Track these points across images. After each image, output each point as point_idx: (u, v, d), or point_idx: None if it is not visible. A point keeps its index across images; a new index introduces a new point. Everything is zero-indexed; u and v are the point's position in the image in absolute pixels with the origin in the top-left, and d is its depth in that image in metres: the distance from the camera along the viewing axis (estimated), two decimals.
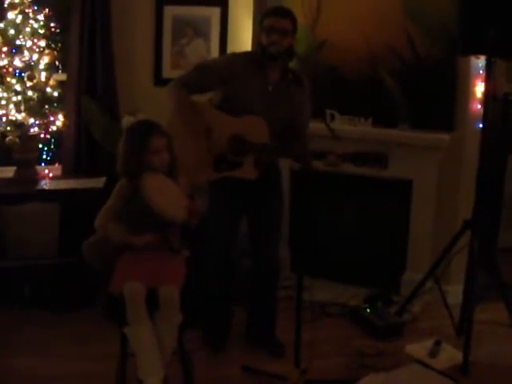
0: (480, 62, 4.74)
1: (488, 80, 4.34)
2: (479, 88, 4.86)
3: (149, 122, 3.58)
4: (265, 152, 4.20)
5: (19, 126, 4.86)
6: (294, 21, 4.11)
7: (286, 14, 4.11)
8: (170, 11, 5.53)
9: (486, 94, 4.40)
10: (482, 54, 4.33)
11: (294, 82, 3.98)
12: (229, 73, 4.13)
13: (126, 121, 3.63)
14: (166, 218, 3.34)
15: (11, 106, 4.85)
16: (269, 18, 4.08)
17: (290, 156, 4.28)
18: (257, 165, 4.14)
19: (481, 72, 4.80)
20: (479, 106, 4.81)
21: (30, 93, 4.89)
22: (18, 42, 4.86)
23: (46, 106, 4.98)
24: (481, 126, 4.49)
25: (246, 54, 4.41)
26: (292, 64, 4.00)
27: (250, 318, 4.57)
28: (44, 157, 5.33)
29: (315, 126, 3.98)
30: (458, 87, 4.94)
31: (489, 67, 4.29)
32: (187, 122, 4.03)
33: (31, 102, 4.90)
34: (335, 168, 3.97)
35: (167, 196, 3.40)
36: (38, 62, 4.92)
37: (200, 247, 4.33)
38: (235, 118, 4.10)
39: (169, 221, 3.38)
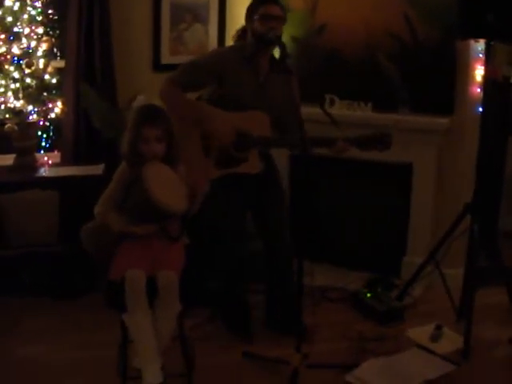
0: (479, 45, 4.72)
1: (487, 63, 4.33)
2: (479, 71, 4.84)
3: (148, 108, 3.56)
4: (268, 145, 4.22)
5: (18, 113, 4.85)
6: (283, 8, 4.21)
7: (276, 1, 4.20)
8: None
9: (486, 77, 4.39)
10: (481, 37, 4.30)
11: (283, 70, 3.97)
12: (220, 70, 4.18)
13: (138, 101, 3.59)
14: (166, 211, 3.33)
15: (9, 93, 4.84)
16: (262, 5, 4.15)
17: (292, 145, 4.31)
18: (260, 158, 4.17)
19: (480, 55, 4.78)
20: (479, 90, 4.80)
21: (28, 80, 4.87)
22: (15, 29, 4.83)
23: (45, 93, 4.97)
24: (480, 109, 4.48)
25: (234, 47, 4.41)
26: (289, 49, 3.99)
27: (269, 304, 4.54)
28: (43, 144, 5.29)
29: (315, 112, 3.95)
30: (457, 71, 4.91)
31: (488, 51, 4.27)
32: (183, 121, 4.03)
33: (29, 90, 4.89)
34: (345, 153, 3.99)
35: (167, 188, 3.38)
36: (36, 49, 4.90)
37: (207, 239, 4.35)
38: (234, 113, 4.12)
39: (168, 213, 3.37)
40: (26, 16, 4.86)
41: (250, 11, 4.22)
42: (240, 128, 4.13)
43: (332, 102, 5.16)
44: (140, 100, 3.55)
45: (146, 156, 3.43)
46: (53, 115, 5.04)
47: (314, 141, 3.80)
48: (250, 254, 4.47)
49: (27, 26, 4.86)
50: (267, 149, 4.33)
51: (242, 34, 4.36)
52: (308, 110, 3.92)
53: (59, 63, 5.22)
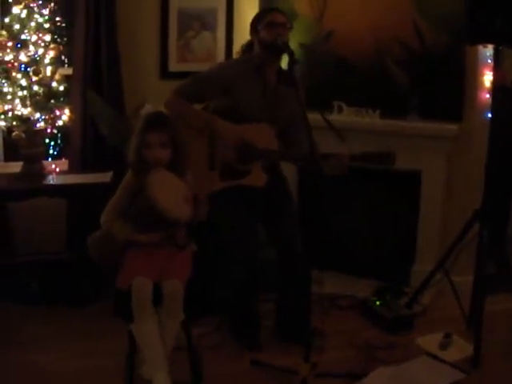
0: (488, 51, 4.70)
1: (496, 69, 4.31)
2: (487, 77, 4.82)
3: (153, 115, 3.56)
4: (273, 158, 4.21)
5: (25, 120, 4.84)
6: (287, 16, 4.24)
7: (280, 9, 4.27)
8: (175, 4, 5.48)
9: (495, 83, 4.36)
10: (490, 42, 4.28)
11: (290, 82, 3.95)
12: (227, 82, 4.18)
13: (145, 109, 3.59)
14: (170, 219, 3.32)
15: (17, 100, 4.82)
16: (267, 14, 4.21)
17: (296, 159, 4.29)
18: (265, 171, 4.15)
19: (489, 61, 4.76)
20: (488, 96, 4.78)
21: (35, 87, 4.86)
22: (23, 37, 4.82)
23: (52, 101, 4.95)
24: (489, 115, 4.46)
25: (242, 59, 4.41)
26: (297, 56, 3.97)
27: (280, 314, 4.49)
28: (51, 152, 5.31)
29: (319, 119, 3.92)
30: (465, 77, 4.90)
31: (496, 56, 4.25)
32: (188, 131, 4.02)
33: (37, 97, 4.88)
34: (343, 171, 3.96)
35: (172, 196, 3.37)
36: (43, 56, 4.89)
37: (214, 248, 4.33)
38: (241, 125, 4.11)
39: (173, 221, 3.35)
40: (33, 23, 4.84)
41: (255, 22, 4.24)
42: (245, 140, 4.12)
43: (340, 109, 5.15)
44: (148, 108, 3.54)
45: (150, 162, 3.43)
46: (60, 123, 5.02)
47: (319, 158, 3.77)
48: (261, 263, 4.46)
49: (34, 33, 4.85)
50: (271, 162, 4.30)
51: (247, 48, 4.36)
52: (314, 117, 3.89)
53: (67, 71, 5.22)
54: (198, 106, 4.34)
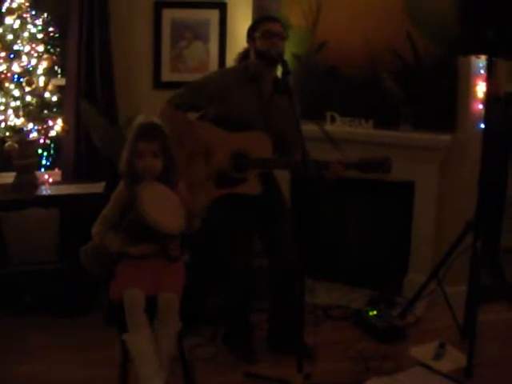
0: (481, 61, 4.72)
1: (489, 80, 4.31)
2: (480, 88, 4.83)
3: (144, 124, 3.53)
4: (268, 166, 4.21)
5: (18, 131, 4.81)
6: (284, 25, 4.24)
7: (276, 18, 4.28)
8: (168, 14, 5.49)
9: (488, 94, 4.37)
10: (483, 53, 4.29)
11: (284, 90, 3.94)
12: (222, 91, 4.17)
13: (138, 120, 3.57)
14: (162, 232, 3.30)
15: (10, 111, 4.80)
16: (263, 23, 4.21)
17: (291, 167, 4.28)
18: (260, 179, 4.15)
19: (481, 72, 4.77)
20: (481, 106, 4.79)
21: (28, 98, 4.84)
22: (15, 47, 4.81)
23: (45, 111, 4.94)
24: (482, 125, 4.46)
25: (236, 68, 4.42)
26: (290, 66, 3.98)
27: (273, 324, 4.48)
28: (43, 162, 5.29)
29: (314, 130, 3.92)
30: (458, 87, 4.90)
31: (489, 67, 4.26)
32: (184, 143, 4.02)
33: (30, 107, 4.86)
34: (340, 176, 3.96)
35: (164, 208, 3.35)
36: (36, 66, 4.87)
37: (206, 258, 4.31)
38: (236, 134, 4.11)
39: (165, 234, 3.34)
40: (26, 34, 4.84)
41: (252, 30, 4.24)
42: (239, 148, 4.12)
43: (333, 119, 5.16)
44: (140, 119, 3.51)
45: (141, 172, 3.41)
46: (53, 133, 5.00)
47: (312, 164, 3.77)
48: (255, 271, 4.46)
49: (27, 43, 4.84)
50: (266, 170, 4.30)
51: (243, 56, 4.36)
52: (308, 128, 3.89)
53: (60, 81, 5.22)
54: (194, 115, 4.34)
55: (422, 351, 4.37)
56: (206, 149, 4.14)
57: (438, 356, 4.27)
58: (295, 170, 4.31)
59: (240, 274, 4.23)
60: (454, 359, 4.26)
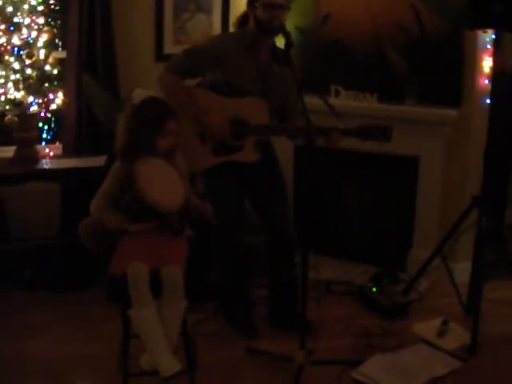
0: (487, 36, 4.66)
1: (496, 54, 4.26)
2: (487, 63, 4.78)
3: (163, 102, 3.47)
4: (266, 133, 4.16)
5: (18, 104, 4.79)
6: None
7: None
8: None
9: (494, 68, 4.32)
10: (490, 27, 4.24)
11: (284, 59, 3.88)
12: (220, 55, 4.10)
13: (137, 94, 3.47)
14: (160, 210, 3.25)
15: (10, 84, 4.78)
16: None
17: (291, 134, 4.24)
18: (257, 147, 4.10)
19: (488, 46, 4.72)
20: (487, 81, 4.74)
21: (28, 71, 4.82)
22: (16, 20, 4.77)
23: (46, 84, 4.92)
24: (488, 101, 4.42)
25: (234, 34, 4.36)
26: (293, 38, 3.91)
27: (272, 298, 4.47)
28: (44, 136, 5.26)
29: (317, 102, 3.88)
30: (465, 62, 4.86)
31: (497, 41, 4.22)
32: (182, 110, 3.95)
33: (30, 81, 4.84)
34: (338, 146, 3.92)
35: (162, 185, 3.30)
36: (36, 39, 4.84)
37: (207, 232, 4.27)
38: (233, 99, 4.05)
39: (164, 213, 3.29)
40: (26, 6, 4.80)
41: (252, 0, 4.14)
42: (236, 115, 4.07)
43: (337, 93, 5.12)
44: (139, 94, 3.41)
45: (162, 151, 3.37)
46: (54, 106, 4.98)
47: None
48: (253, 248, 4.42)
49: (28, 16, 4.80)
50: (264, 137, 4.25)
51: (242, 20, 4.27)
52: (311, 101, 3.84)
53: (60, 54, 5.17)
54: (193, 82, 4.28)
55: (426, 328, 4.35)
56: (200, 116, 4.08)
57: (441, 333, 4.25)
58: (294, 136, 4.26)
59: (230, 248, 4.27)
60: (458, 336, 4.24)
